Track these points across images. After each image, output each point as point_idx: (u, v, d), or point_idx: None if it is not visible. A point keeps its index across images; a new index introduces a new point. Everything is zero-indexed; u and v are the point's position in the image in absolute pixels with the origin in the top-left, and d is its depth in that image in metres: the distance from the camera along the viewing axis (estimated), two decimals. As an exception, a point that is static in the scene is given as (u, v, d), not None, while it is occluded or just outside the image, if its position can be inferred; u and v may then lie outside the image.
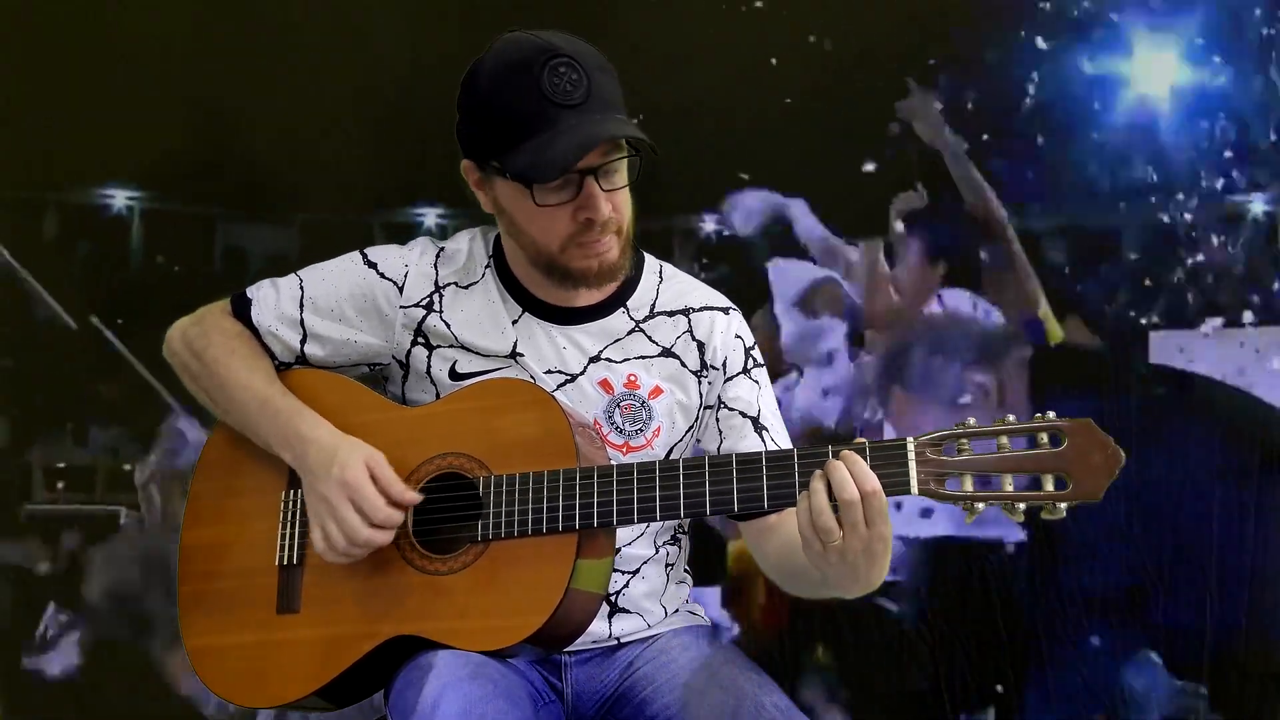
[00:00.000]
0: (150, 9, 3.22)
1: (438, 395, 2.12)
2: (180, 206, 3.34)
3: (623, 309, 2.15)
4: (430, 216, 3.29)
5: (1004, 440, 1.81)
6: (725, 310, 2.20)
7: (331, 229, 3.30)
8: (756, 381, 2.18)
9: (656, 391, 2.13)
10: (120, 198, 3.36)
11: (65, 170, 3.32)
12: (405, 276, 2.14)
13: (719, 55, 3.12)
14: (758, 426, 2.16)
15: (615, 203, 2.02)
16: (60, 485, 3.41)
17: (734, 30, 3.11)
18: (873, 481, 1.78)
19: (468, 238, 2.21)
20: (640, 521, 1.95)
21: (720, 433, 2.16)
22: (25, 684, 3.39)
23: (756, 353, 2.21)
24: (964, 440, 1.82)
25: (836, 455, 1.81)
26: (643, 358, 2.14)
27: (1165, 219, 3.07)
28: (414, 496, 1.99)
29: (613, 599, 2.12)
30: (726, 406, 2.16)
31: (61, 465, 3.41)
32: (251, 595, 2.06)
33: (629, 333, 2.14)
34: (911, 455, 1.81)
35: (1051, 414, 1.81)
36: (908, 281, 3.28)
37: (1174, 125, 3.13)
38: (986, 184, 3.16)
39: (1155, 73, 3.16)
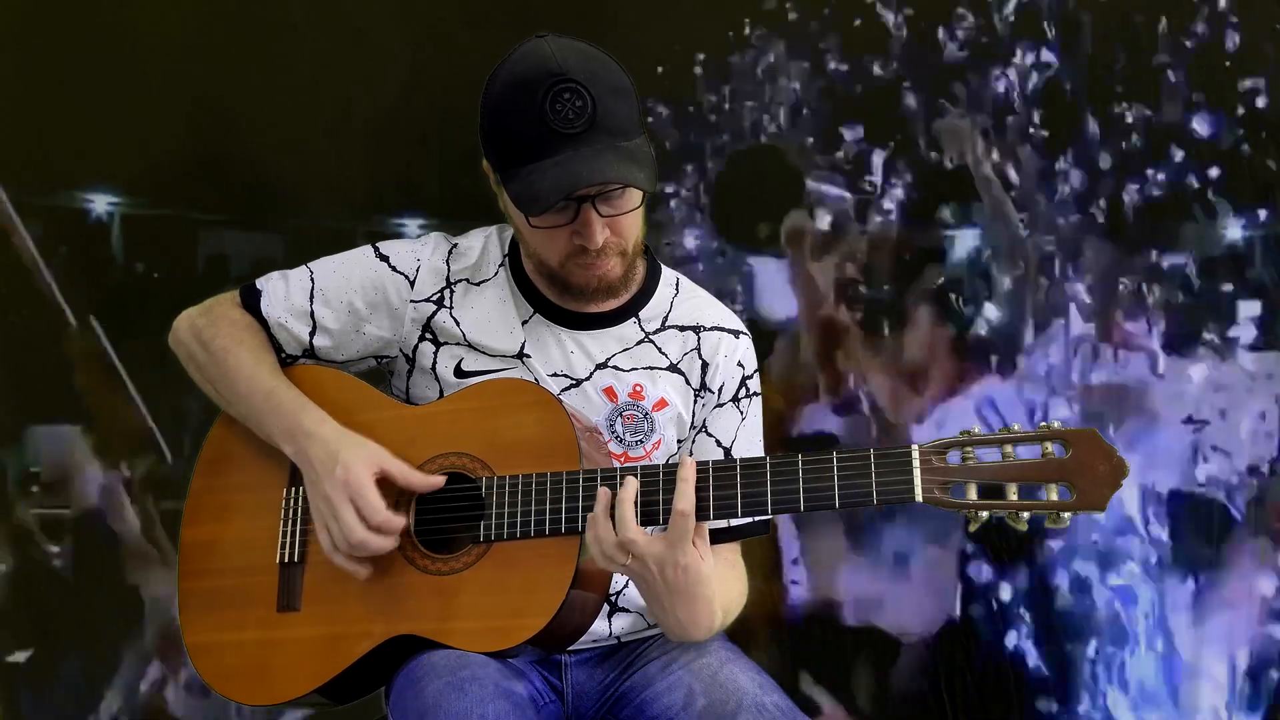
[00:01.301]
0: (143, 8, 3.20)
1: (441, 392, 2.12)
2: (164, 211, 3.32)
3: (634, 319, 2.16)
4: (411, 227, 3.29)
5: (1009, 449, 1.81)
6: (736, 334, 2.19)
7: (319, 234, 3.28)
8: (742, 412, 2.17)
9: (661, 404, 2.13)
10: (101, 202, 3.34)
11: (48, 173, 3.29)
12: (417, 271, 2.14)
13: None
14: (728, 457, 2.14)
15: (615, 227, 2.01)
16: (34, 489, 3.37)
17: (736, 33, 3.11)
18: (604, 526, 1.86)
19: (483, 235, 2.21)
20: (643, 525, 1.95)
21: (692, 454, 2.15)
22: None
23: (753, 382, 2.19)
24: (969, 448, 1.83)
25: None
26: (650, 369, 2.14)
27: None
28: (436, 481, 1.99)
29: (613, 599, 2.13)
30: (706, 432, 2.16)
31: (35, 470, 3.37)
32: (252, 593, 2.05)
33: (639, 343, 2.15)
34: (916, 462, 1.82)
35: (1056, 423, 1.83)
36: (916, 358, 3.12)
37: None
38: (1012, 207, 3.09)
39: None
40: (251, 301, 2.17)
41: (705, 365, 2.15)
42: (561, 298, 2.12)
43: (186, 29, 3.21)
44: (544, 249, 2.05)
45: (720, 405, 2.16)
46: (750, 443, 2.17)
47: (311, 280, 2.16)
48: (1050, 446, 1.81)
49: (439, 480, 1.99)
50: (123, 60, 3.20)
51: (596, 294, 2.08)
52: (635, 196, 1.99)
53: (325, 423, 2.03)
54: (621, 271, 2.07)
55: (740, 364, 2.18)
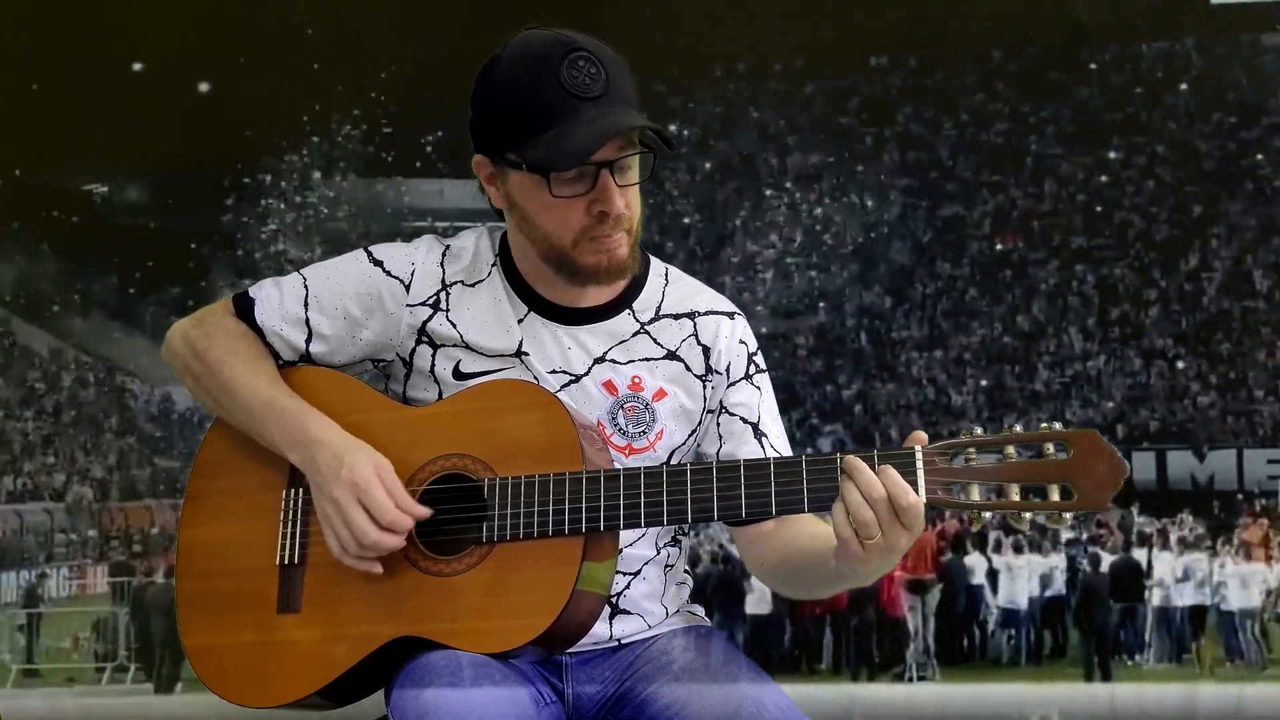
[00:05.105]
0: (143, 8, 3.22)
1: (440, 394, 2.12)
2: (176, 208, 3.33)
3: (628, 310, 2.16)
4: (412, 227, 3.30)
5: (1010, 450, 1.84)
6: (730, 315, 2.21)
7: (327, 232, 3.30)
8: (758, 387, 2.20)
9: (660, 394, 2.14)
10: (110, 200, 3.35)
11: (59, 170, 3.31)
12: (411, 275, 2.14)
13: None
14: (757, 433, 2.17)
15: (628, 198, 2.05)
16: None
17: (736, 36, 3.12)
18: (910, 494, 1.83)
19: (474, 236, 2.21)
20: (647, 526, 1.97)
21: (720, 437, 2.18)
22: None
23: (759, 358, 2.22)
24: (971, 449, 1.85)
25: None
26: (647, 360, 2.15)
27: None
28: (422, 511, 1.98)
29: (614, 600, 2.13)
30: (727, 411, 2.18)
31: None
32: (252, 595, 2.05)
33: (634, 334, 2.16)
34: (920, 464, 1.84)
35: (1057, 424, 1.85)
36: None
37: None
38: None
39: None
40: (245, 310, 2.16)
41: (707, 350, 2.17)
42: (566, 287, 2.12)
43: (186, 29, 3.22)
44: (558, 227, 2.06)
45: (733, 384, 2.18)
46: (773, 418, 2.21)
47: (305, 287, 2.16)
48: (1051, 447, 1.83)
49: (425, 511, 1.98)
50: (122, 60, 3.21)
51: (606, 274, 2.09)
52: (640, 168, 2.05)
53: (331, 429, 2.03)
54: (627, 251, 2.08)
55: (742, 341, 2.20)
